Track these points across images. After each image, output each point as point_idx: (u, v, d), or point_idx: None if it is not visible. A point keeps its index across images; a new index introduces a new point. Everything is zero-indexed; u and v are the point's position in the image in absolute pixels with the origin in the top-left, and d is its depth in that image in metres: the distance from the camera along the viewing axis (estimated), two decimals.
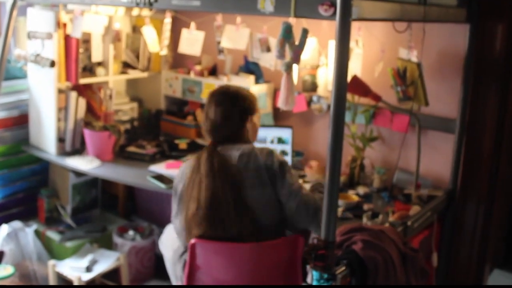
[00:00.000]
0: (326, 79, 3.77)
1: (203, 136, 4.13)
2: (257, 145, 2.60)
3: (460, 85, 3.26)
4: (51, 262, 3.67)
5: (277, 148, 3.60)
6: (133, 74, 4.35)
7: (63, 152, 3.87)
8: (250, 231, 2.40)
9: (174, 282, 2.72)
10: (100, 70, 4.05)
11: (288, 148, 3.63)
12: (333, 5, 2.05)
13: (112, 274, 3.82)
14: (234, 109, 2.56)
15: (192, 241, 2.39)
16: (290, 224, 2.54)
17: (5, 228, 3.82)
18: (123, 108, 4.39)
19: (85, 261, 3.69)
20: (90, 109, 4.02)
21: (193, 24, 3.81)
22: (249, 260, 2.39)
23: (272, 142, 3.62)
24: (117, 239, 3.99)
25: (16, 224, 3.89)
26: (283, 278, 2.47)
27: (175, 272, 2.66)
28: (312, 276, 2.18)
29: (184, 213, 2.51)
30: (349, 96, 3.52)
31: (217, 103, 2.56)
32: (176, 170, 3.53)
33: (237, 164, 2.46)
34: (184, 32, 3.85)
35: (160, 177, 3.48)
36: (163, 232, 2.99)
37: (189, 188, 2.50)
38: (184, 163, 2.67)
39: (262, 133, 3.61)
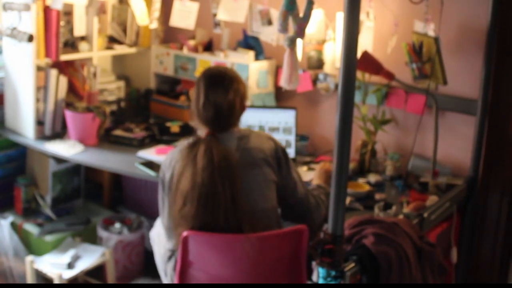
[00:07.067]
0: (333, 55, 3.75)
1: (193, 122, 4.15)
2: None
3: (482, 61, 3.25)
4: (29, 258, 3.67)
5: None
6: (119, 49, 4.34)
7: (42, 136, 3.87)
8: (246, 222, 2.41)
9: (163, 279, 2.73)
10: (83, 45, 4.03)
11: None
12: None
13: (97, 271, 3.82)
14: (237, 95, 2.56)
15: (184, 233, 2.39)
16: (287, 215, 2.70)
17: None
18: (108, 88, 4.38)
19: (66, 257, 3.68)
20: (72, 89, 4.01)
21: None
22: (248, 255, 2.39)
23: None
24: (102, 233, 3.99)
25: None
26: (286, 275, 2.48)
27: (166, 270, 2.67)
28: (318, 274, 2.20)
29: (170, 209, 2.52)
30: (359, 74, 3.51)
31: (218, 88, 2.53)
32: None
33: (237, 147, 2.50)
34: (177, 3, 3.83)
35: (149, 164, 3.48)
36: (153, 225, 2.99)
37: (176, 181, 2.50)
38: (173, 149, 2.67)
39: (262, 115, 3.62)
